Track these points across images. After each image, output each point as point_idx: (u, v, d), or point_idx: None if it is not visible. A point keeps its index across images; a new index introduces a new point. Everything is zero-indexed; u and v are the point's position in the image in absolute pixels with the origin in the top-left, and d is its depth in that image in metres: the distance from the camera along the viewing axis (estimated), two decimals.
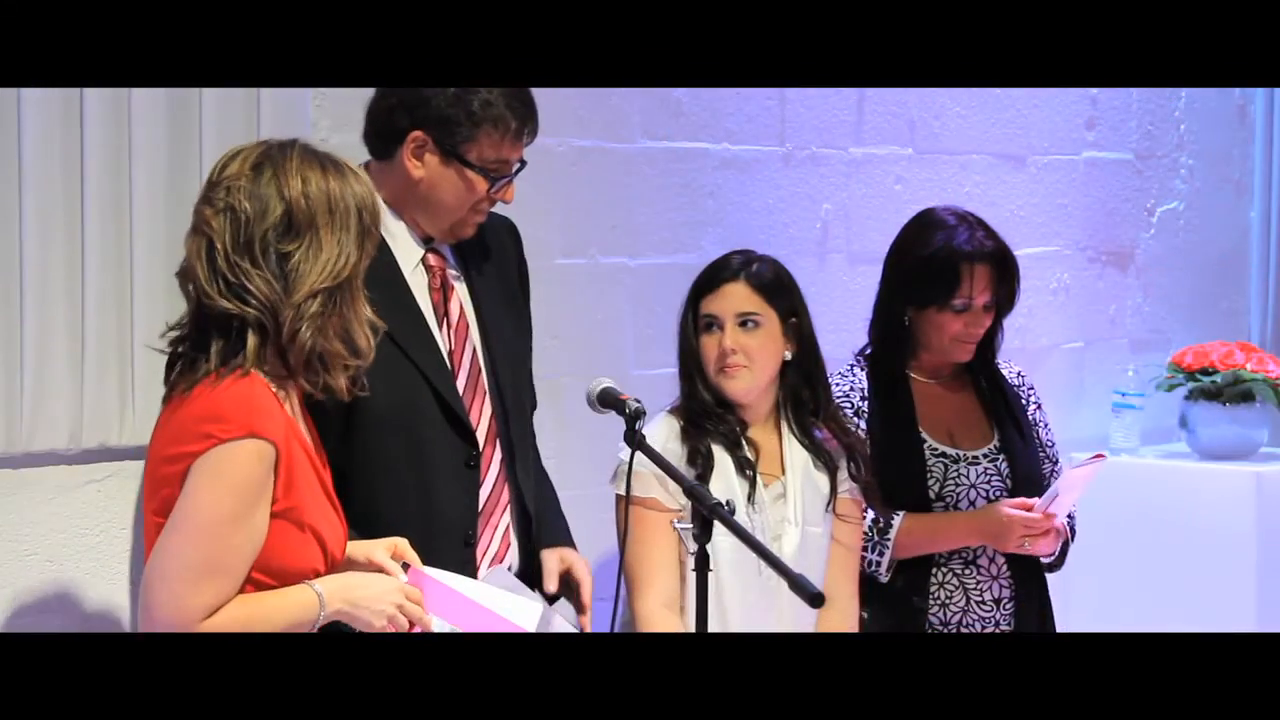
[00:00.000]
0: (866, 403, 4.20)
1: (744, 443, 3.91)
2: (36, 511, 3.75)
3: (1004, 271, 4.21)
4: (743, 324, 3.92)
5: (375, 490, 3.60)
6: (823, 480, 3.92)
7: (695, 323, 3.95)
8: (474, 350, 3.72)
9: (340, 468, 3.50)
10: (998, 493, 4.20)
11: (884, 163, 5.43)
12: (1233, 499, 5.65)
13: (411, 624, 3.17)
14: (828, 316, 5.33)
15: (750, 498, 3.85)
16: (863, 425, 4.14)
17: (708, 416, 3.92)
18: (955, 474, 4.18)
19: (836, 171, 5.31)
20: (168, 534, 3.01)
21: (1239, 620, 5.45)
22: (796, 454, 3.92)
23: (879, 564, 4.12)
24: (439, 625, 3.25)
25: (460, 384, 3.68)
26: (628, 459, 3.60)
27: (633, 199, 4.83)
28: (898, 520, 4.09)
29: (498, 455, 3.72)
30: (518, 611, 3.37)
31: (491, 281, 3.80)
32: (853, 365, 4.28)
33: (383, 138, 3.67)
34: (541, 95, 4.52)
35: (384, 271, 3.58)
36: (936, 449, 4.20)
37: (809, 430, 3.95)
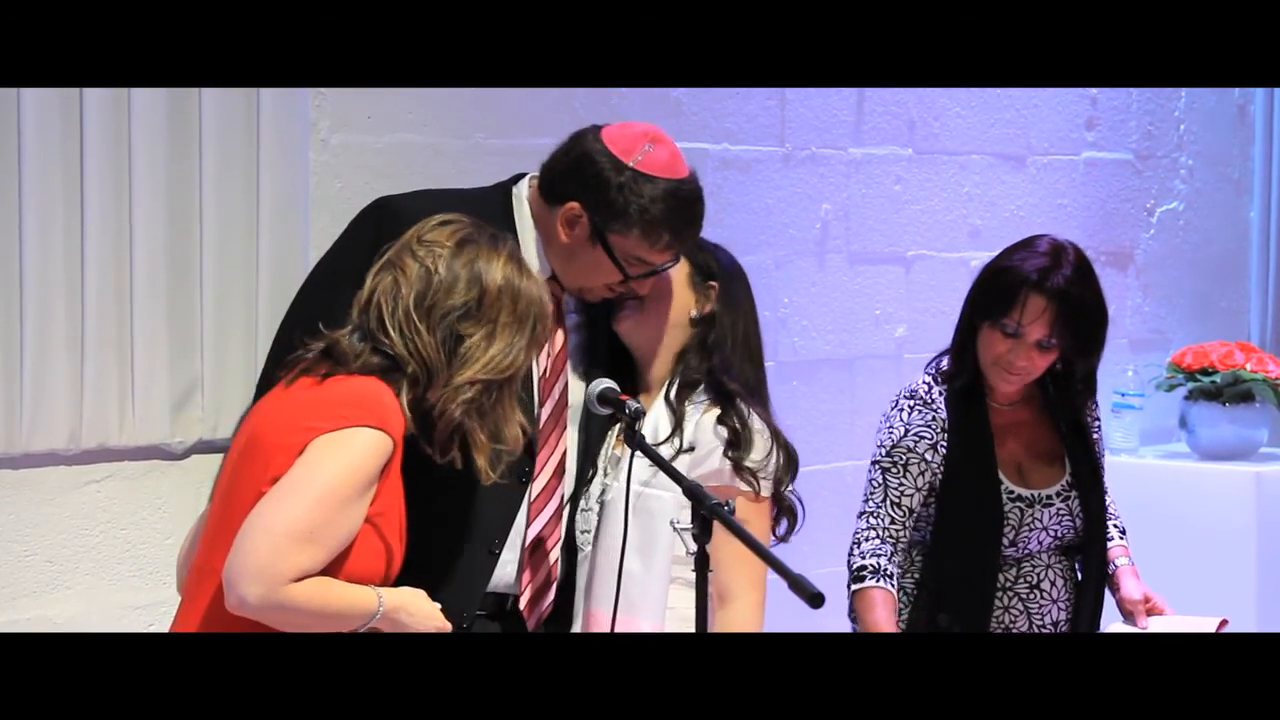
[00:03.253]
0: (946, 436, 4.07)
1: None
2: (36, 511, 3.75)
3: (1071, 317, 3.99)
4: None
5: (423, 472, 3.61)
6: (667, 446, 3.71)
7: None
8: (566, 385, 3.74)
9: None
10: (1067, 532, 4.13)
11: (884, 163, 5.43)
12: (1233, 499, 5.65)
13: None
14: (828, 316, 5.34)
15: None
16: (937, 459, 4.05)
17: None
18: (1030, 519, 4.09)
19: (836, 171, 5.31)
20: (283, 493, 3.08)
21: (1239, 620, 5.44)
22: (653, 414, 3.74)
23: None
24: None
25: (545, 411, 3.70)
26: (628, 458, 3.60)
27: None
28: (866, 584, 4.03)
29: (560, 490, 3.74)
30: None
31: (604, 338, 3.81)
32: (930, 385, 4.11)
33: (551, 187, 3.69)
34: (542, 95, 4.53)
35: None
36: (1012, 492, 4.08)
37: (685, 393, 3.74)
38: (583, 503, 3.77)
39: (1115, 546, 4.25)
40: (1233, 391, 5.78)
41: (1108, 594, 4.25)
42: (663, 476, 3.62)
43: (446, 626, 3.28)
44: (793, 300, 5.24)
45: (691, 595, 3.71)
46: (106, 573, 3.84)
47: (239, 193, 3.90)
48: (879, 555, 4.03)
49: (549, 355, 3.71)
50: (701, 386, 3.76)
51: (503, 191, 3.76)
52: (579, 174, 3.64)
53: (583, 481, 3.76)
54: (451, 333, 3.22)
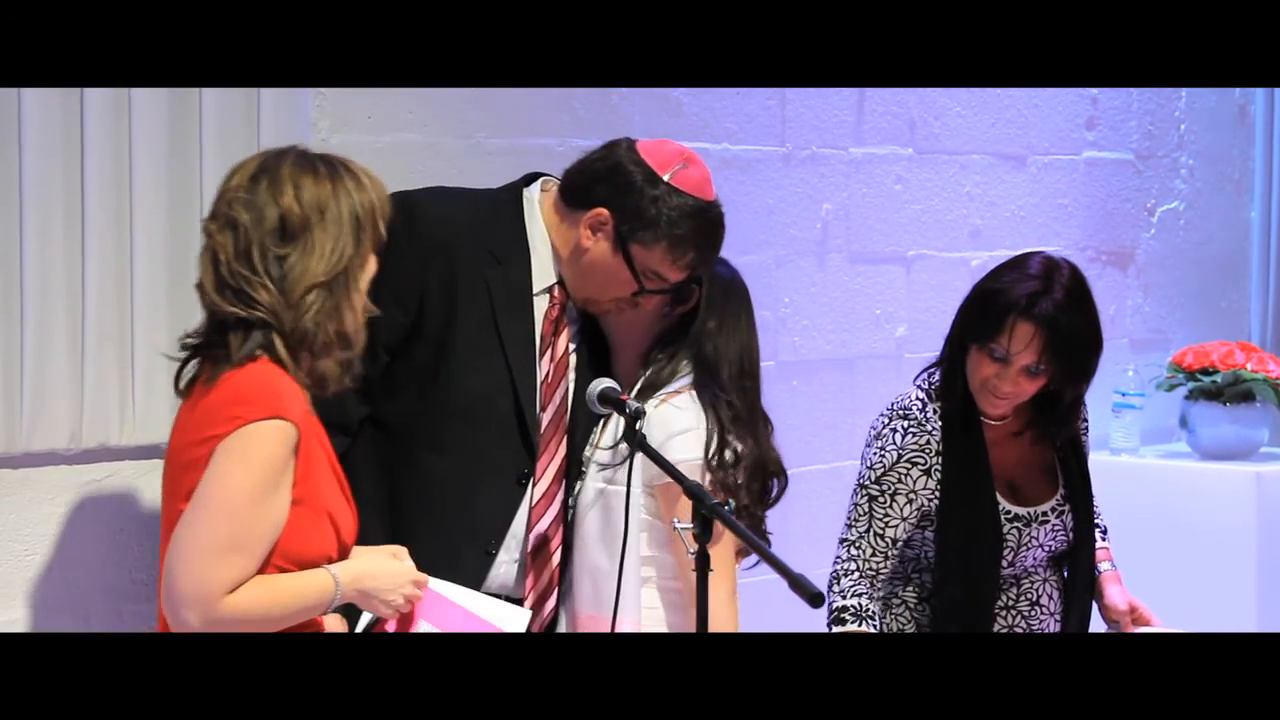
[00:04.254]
0: (940, 459, 3.97)
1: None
2: (36, 511, 3.75)
3: (1061, 345, 3.88)
4: None
5: (423, 467, 3.63)
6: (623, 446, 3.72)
7: None
8: (567, 390, 3.74)
9: (397, 429, 3.58)
10: (1061, 545, 4.07)
11: (884, 163, 5.43)
12: (1233, 499, 5.65)
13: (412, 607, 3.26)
14: (828, 316, 5.34)
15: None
16: (931, 484, 3.96)
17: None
18: (1027, 538, 4.03)
19: (836, 171, 5.31)
20: (192, 511, 3.06)
21: (1239, 620, 5.45)
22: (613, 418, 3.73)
23: None
24: (425, 628, 3.28)
25: (546, 417, 3.71)
26: (628, 458, 3.61)
27: None
28: (849, 628, 3.96)
29: (560, 496, 3.74)
30: (506, 618, 3.39)
31: (590, 341, 3.81)
32: (924, 403, 4.01)
33: (578, 193, 3.69)
34: (542, 95, 4.53)
35: (517, 277, 3.68)
36: (1009, 512, 4.01)
37: (645, 395, 3.74)
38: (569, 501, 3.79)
39: (1098, 549, 4.19)
40: (1233, 391, 5.78)
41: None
42: (623, 473, 3.66)
43: (423, 579, 3.26)
44: (793, 300, 5.24)
45: (656, 595, 3.73)
46: (106, 573, 3.84)
47: None
48: (859, 595, 3.94)
49: (551, 360, 3.72)
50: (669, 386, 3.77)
51: (513, 192, 3.76)
52: (612, 181, 3.65)
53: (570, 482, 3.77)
54: (275, 261, 3.12)
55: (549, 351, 3.72)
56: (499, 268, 3.67)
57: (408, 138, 4.30)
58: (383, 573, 3.22)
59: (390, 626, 3.29)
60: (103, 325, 3.75)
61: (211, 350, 3.15)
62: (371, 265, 3.21)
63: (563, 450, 3.73)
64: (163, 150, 3.80)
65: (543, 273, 3.72)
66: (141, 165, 3.77)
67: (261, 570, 3.08)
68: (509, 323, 3.66)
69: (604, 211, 3.64)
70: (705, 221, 3.68)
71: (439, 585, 3.33)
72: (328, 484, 3.19)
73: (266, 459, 3.07)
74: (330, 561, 3.17)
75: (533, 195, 3.74)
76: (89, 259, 3.72)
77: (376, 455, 3.63)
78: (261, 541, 3.07)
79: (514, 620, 3.42)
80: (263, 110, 3.91)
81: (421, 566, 3.33)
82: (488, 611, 3.37)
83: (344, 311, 3.16)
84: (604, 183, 3.66)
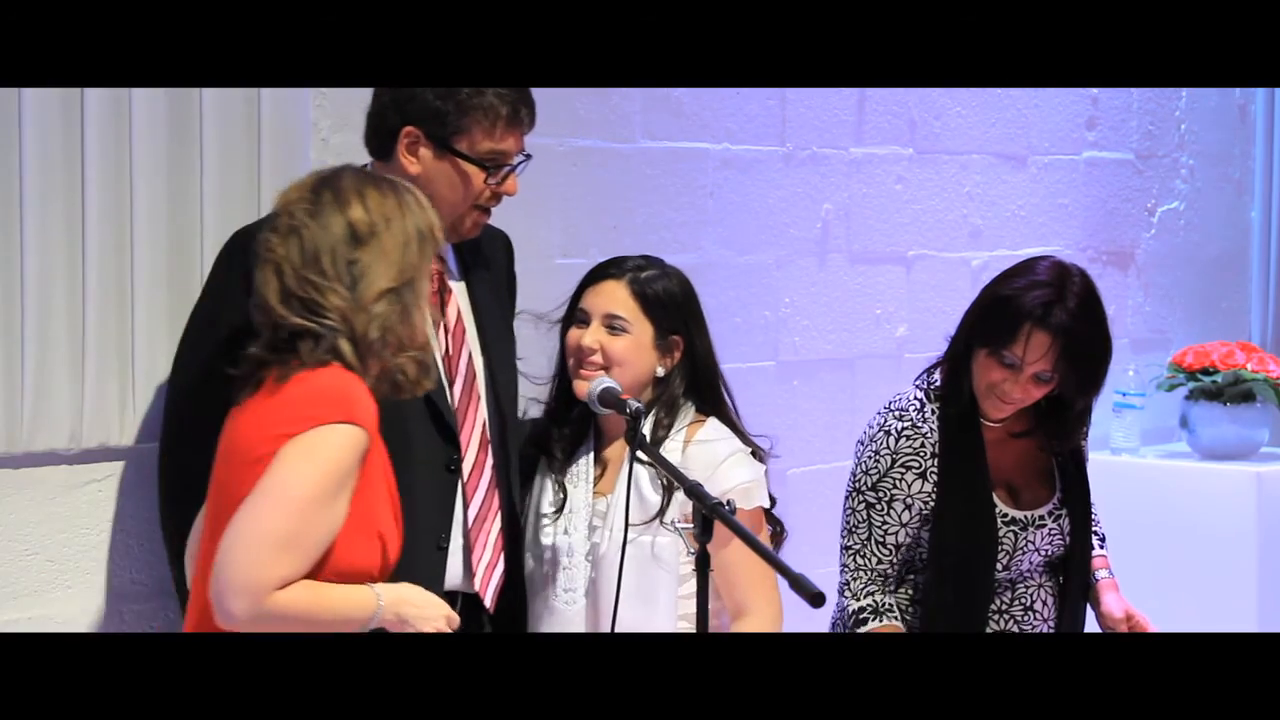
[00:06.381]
0: (936, 460, 3.95)
1: (590, 459, 3.82)
2: (36, 511, 3.75)
3: (1075, 354, 3.87)
4: (609, 326, 3.78)
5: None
6: (653, 496, 3.73)
7: (571, 315, 3.86)
8: (470, 355, 3.73)
9: None
10: (1057, 550, 4.06)
11: (884, 163, 5.43)
12: (1233, 499, 5.65)
13: None
14: (828, 316, 5.34)
15: (560, 509, 3.80)
16: (927, 487, 3.94)
17: (557, 423, 3.85)
18: (1023, 542, 4.01)
19: (836, 171, 5.31)
20: (255, 502, 3.06)
21: (1239, 620, 5.45)
22: (637, 468, 3.71)
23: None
24: None
25: (456, 389, 3.70)
26: (628, 459, 3.60)
27: (633, 199, 4.83)
28: (871, 627, 3.96)
29: (490, 461, 3.73)
30: None
31: (487, 287, 3.82)
32: (922, 403, 3.99)
33: (379, 137, 3.70)
34: (541, 95, 4.52)
35: None
36: (1005, 515, 3.99)
37: (658, 448, 3.71)
38: (564, 559, 3.76)
39: (1096, 557, 4.18)
40: (1234, 391, 5.78)
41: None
42: (667, 521, 3.68)
43: (455, 617, 3.25)
44: (793, 300, 5.24)
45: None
46: (106, 572, 3.84)
47: (239, 193, 3.90)
48: (872, 594, 3.94)
49: (446, 332, 3.71)
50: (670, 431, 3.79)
51: None
52: (398, 105, 3.65)
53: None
54: (346, 266, 3.15)
55: (440, 325, 3.71)
56: None
57: None
58: (423, 602, 3.22)
59: None
60: (103, 325, 3.75)
61: (282, 356, 3.15)
62: (430, 282, 3.25)
63: (482, 414, 3.72)
64: (163, 150, 3.80)
65: None
66: (141, 165, 3.77)
67: (309, 575, 3.08)
68: None
69: (409, 129, 3.64)
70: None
71: None
72: (382, 502, 3.20)
73: (335, 462, 3.08)
74: (371, 580, 3.17)
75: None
76: (89, 259, 3.72)
77: None
78: (316, 544, 3.07)
79: None
80: (263, 110, 3.91)
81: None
82: None
83: (412, 317, 3.19)
84: (390, 110, 3.66)
